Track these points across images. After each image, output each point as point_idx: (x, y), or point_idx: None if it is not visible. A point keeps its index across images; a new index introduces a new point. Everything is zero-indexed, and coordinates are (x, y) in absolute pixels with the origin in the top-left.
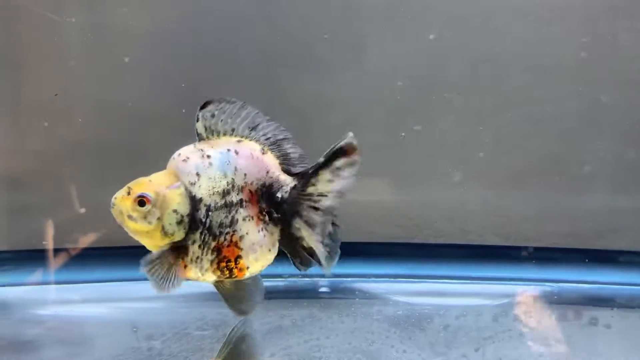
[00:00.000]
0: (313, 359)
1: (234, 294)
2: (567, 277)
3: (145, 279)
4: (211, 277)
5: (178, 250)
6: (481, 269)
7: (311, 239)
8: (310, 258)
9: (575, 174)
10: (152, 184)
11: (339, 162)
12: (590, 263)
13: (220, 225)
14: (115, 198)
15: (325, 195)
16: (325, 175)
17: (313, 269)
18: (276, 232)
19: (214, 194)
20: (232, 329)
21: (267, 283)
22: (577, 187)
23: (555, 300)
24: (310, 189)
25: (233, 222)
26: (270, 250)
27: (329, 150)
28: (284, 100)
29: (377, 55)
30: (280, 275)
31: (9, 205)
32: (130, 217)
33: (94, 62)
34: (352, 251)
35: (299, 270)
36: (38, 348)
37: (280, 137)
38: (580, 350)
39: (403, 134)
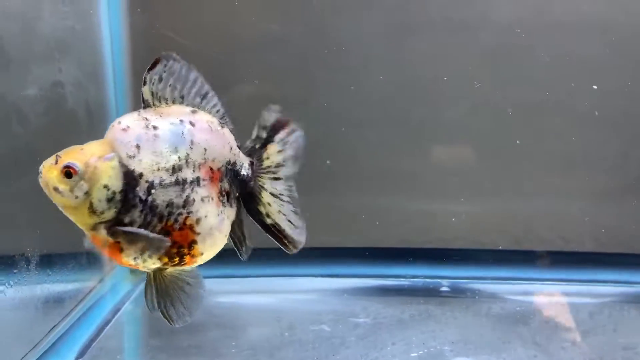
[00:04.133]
0: (429, 347)
1: (169, 292)
2: None
3: (289, 275)
4: (153, 264)
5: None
6: (579, 272)
7: (282, 210)
8: (278, 235)
9: None
10: (83, 153)
11: (281, 134)
12: None
13: (170, 205)
14: (43, 167)
15: (283, 165)
16: (273, 147)
17: None
18: (232, 215)
19: (159, 169)
20: None
21: (390, 282)
22: None
23: None
24: (266, 163)
25: (188, 203)
26: (225, 235)
27: (262, 125)
28: None
29: (488, 81)
30: (403, 276)
31: None
32: (56, 189)
33: None
34: (466, 257)
35: (241, 258)
36: (202, 330)
37: (223, 110)
38: None
39: (517, 142)
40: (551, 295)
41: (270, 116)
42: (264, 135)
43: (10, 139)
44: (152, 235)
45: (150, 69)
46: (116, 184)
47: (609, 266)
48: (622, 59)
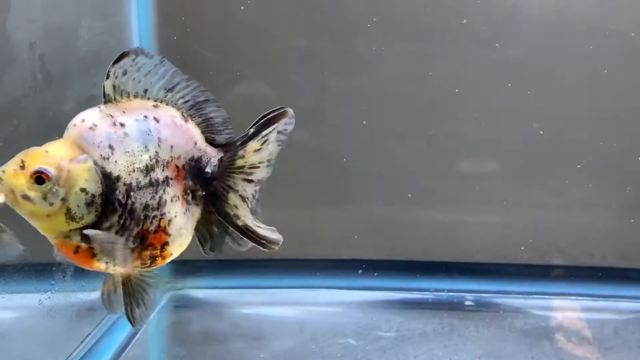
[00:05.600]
0: None
1: (134, 294)
2: None
3: (312, 287)
4: (125, 268)
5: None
6: (604, 287)
7: (248, 215)
8: (242, 236)
9: None
10: (50, 156)
11: (267, 130)
12: None
13: (146, 207)
14: (3, 172)
15: (257, 167)
16: (252, 146)
17: None
18: (197, 213)
19: (134, 170)
20: None
21: (414, 295)
22: None
23: None
24: (239, 162)
25: (161, 204)
26: (191, 234)
27: (258, 119)
28: None
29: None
30: (426, 289)
31: None
32: (25, 197)
33: None
34: (489, 271)
35: (206, 255)
36: (226, 340)
37: (201, 98)
38: None
39: (541, 154)
40: (575, 311)
41: (271, 111)
42: (251, 130)
43: None
44: (113, 237)
45: (115, 62)
46: (94, 187)
47: (634, 282)
48: None
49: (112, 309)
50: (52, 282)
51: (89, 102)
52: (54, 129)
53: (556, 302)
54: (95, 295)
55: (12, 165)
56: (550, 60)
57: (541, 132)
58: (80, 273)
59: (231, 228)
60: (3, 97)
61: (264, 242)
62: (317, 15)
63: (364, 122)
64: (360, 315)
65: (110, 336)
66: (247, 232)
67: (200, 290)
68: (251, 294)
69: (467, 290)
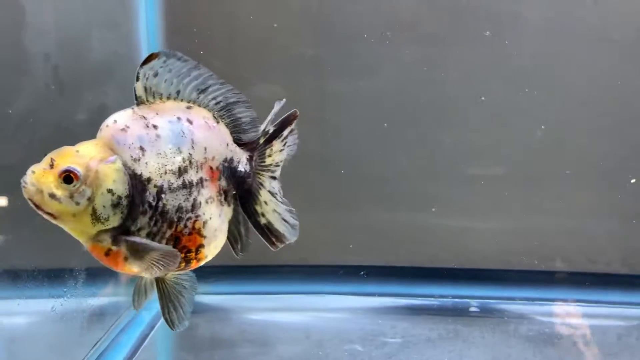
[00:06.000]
0: None
1: (171, 298)
2: None
3: (318, 293)
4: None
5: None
6: (608, 294)
7: (277, 209)
8: (267, 233)
9: None
10: (80, 155)
11: (286, 131)
12: None
13: (179, 209)
14: (33, 172)
15: (279, 165)
16: (277, 145)
17: None
18: (229, 213)
19: (166, 172)
20: None
21: (419, 301)
22: None
23: None
24: (268, 160)
25: (195, 206)
26: (225, 235)
27: (272, 119)
28: None
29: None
30: (432, 296)
31: None
32: (52, 195)
33: None
34: (494, 277)
35: (237, 256)
36: (233, 346)
37: (232, 100)
38: None
39: (546, 162)
40: (579, 317)
41: (278, 109)
42: (271, 130)
43: None
44: (165, 248)
45: (144, 63)
46: (121, 189)
47: (638, 288)
48: None
49: (139, 304)
50: (65, 289)
51: (99, 111)
52: (68, 139)
53: (560, 308)
54: (105, 301)
55: (43, 164)
56: (557, 66)
57: (539, 133)
58: (91, 280)
59: (252, 226)
60: (20, 108)
61: (273, 239)
62: (320, 23)
63: (368, 128)
64: (366, 321)
65: (120, 342)
66: (265, 230)
67: (208, 296)
68: (258, 299)
69: (472, 296)
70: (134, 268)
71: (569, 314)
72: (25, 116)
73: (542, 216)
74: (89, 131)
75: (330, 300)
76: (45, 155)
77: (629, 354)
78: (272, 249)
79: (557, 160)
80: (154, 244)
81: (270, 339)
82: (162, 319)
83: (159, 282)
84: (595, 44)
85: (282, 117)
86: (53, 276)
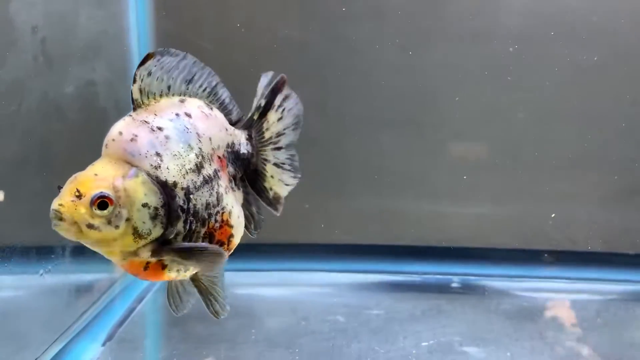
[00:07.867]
0: (439, 339)
1: (209, 290)
2: None
3: (305, 270)
4: (192, 271)
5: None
6: (586, 271)
7: (283, 178)
8: (275, 204)
9: None
10: (101, 178)
11: (278, 100)
12: None
13: (208, 206)
14: (61, 206)
15: (283, 133)
16: (273, 116)
17: None
18: (241, 196)
19: (187, 172)
20: None
21: (403, 278)
22: None
23: None
24: (267, 134)
25: (219, 199)
26: (244, 219)
27: (261, 92)
28: None
29: (500, 86)
30: (415, 273)
31: None
32: (90, 225)
33: None
34: (476, 255)
35: (251, 235)
36: (219, 320)
37: (214, 83)
38: None
39: (527, 145)
40: (558, 293)
41: (266, 82)
42: (262, 103)
43: (49, 134)
44: (212, 247)
45: (141, 64)
46: (155, 200)
47: (616, 265)
48: (628, 66)
49: (178, 308)
50: (52, 256)
51: (87, 85)
52: (53, 111)
53: (541, 285)
54: (94, 275)
55: (67, 196)
56: (539, 54)
57: (520, 115)
58: (79, 252)
59: (262, 202)
60: (6, 78)
61: (278, 206)
62: (312, 6)
63: (357, 113)
64: (351, 296)
65: (108, 314)
66: (272, 200)
67: None
68: (245, 276)
69: (454, 273)
70: (172, 275)
71: (549, 290)
72: (11, 86)
73: (524, 198)
74: (76, 104)
75: (317, 277)
76: (58, 187)
77: (607, 328)
78: (276, 214)
79: (538, 144)
80: (201, 244)
81: (257, 312)
82: (150, 293)
83: (195, 280)
84: (572, 34)
85: (271, 86)
86: (42, 249)
